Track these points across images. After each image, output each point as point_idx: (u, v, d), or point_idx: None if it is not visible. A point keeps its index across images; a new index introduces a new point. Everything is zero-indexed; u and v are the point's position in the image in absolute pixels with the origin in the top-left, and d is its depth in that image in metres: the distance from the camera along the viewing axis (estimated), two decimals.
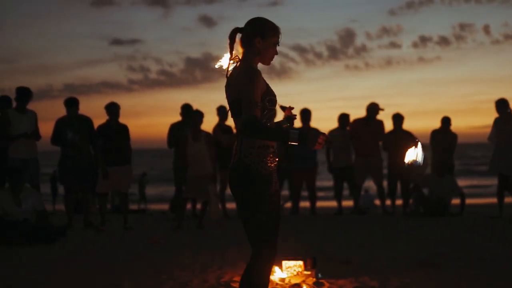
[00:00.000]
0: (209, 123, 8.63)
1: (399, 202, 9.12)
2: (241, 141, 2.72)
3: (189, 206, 8.51)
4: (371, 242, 6.08)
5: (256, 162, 2.68)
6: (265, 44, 2.80)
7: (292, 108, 3.11)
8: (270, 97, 2.75)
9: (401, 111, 8.75)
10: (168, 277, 4.50)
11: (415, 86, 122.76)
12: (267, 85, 2.77)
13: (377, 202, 10.38)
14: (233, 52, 2.81)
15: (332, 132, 8.70)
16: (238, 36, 2.82)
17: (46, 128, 7.50)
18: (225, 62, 2.81)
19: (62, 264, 5.18)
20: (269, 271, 2.86)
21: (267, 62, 2.87)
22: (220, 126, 8.39)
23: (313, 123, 8.88)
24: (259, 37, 2.78)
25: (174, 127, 8.25)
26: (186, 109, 8.14)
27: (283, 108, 3.13)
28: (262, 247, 2.75)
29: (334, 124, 8.86)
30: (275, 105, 2.80)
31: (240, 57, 2.82)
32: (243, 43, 2.81)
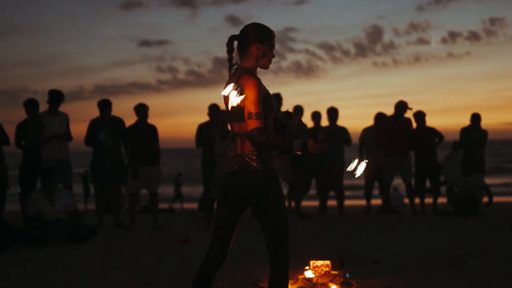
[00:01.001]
0: None
1: (428, 200, 9.03)
2: (241, 145, 2.76)
3: None
4: (400, 241, 6.04)
5: (266, 165, 2.75)
6: (264, 49, 2.85)
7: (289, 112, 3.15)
8: (270, 103, 2.79)
9: (430, 108, 8.73)
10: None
11: (444, 83, 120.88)
12: (267, 91, 2.81)
13: (407, 200, 10.27)
14: (232, 60, 2.85)
15: (367, 130, 8.67)
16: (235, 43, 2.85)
17: (78, 129, 7.69)
18: (227, 90, 2.76)
19: (93, 263, 5.30)
20: None
21: (266, 66, 2.91)
22: None
23: (341, 121, 8.86)
24: (258, 43, 2.83)
25: (201, 127, 8.32)
26: (213, 109, 8.19)
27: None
28: (287, 246, 2.82)
29: (361, 121, 8.82)
30: (274, 112, 2.85)
31: (240, 64, 2.85)
32: (242, 51, 2.84)
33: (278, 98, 8.39)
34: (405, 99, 8.58)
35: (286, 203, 9.36)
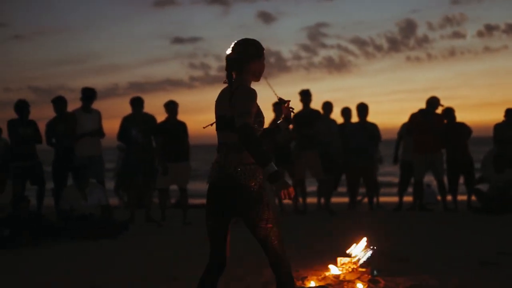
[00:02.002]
0: (266, 119, 8.67)
1: (462, 197, 8.86)
2: (226, 156, 2.81)
3: None
4: (431, 239, 5.95)
5: (250, 178, 2.79)
6: (259, 64, 2.93)
7: (289, 101, 3.21)
8: (260, 118, 2.85)
9: (466, 103, 8.58)
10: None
11: (481, 77, 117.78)
12: (258, 107, 2.86)
13: (440, 198, 10.08)
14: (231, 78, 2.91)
15: (405, 125, 8.56)
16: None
17: (113, 125, 7.82)
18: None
19: (124, 257, 5.40)
20: None
21: (259, 78, 2.98)
22: (276, 122, 8.42)
23: (374, 117, 8.77)
24: (256, 59, 2.91)
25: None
26: None
27: (282, 101, 3.20)
28: (282, 250, 2.88)
29: (394, 117, 8.68)
30: (263, 127, 2.90)
31: (234, 79, 2.88)
32: (237, 67, 2.89)
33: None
34: (440, 94, 8.46)
35: (316, 200, 9.36)
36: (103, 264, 5.14)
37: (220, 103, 2.91)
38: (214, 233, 2.94)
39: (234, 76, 2.92)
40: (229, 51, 2.95)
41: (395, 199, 12.16)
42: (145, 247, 5.85)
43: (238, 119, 2.71)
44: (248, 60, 2.90)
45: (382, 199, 11.71)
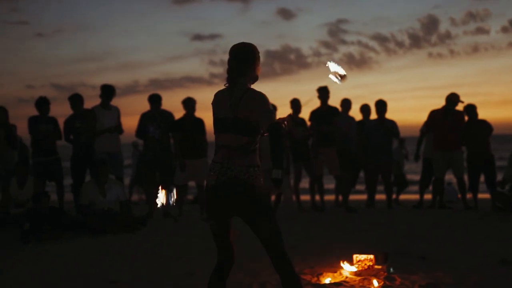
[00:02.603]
0: (283, 115, 8.66)
1: (482, 196, 8.74)
2: (230, 158, 2.87)
3: None
4: (449, 237, 5.88)
5: (255, 180, 2.89)
6: (259, 68, 3.03)
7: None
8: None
9: (489, 100, 8.45)
10: (238, 267, 4.60)
11: (505, 73, 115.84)
12: None
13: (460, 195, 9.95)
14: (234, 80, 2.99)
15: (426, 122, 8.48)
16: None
17: (133, 122, 7.92)
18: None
19: (141, 252, 5.46)
20: None
21: (255, 81, 3.07)
22: (294, 119, 8.42)
23: (395, 114, 8.70)
24: (258, 64, 3.00)
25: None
26: None
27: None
28: (283, 249, 2.96)
29: (415, 114, 8.57)
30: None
31: (237, 83, 2.94)
32: (243, 71, 2.93)
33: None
34: (463, 91, 8.40)
35: (334, 197, 9.32)
36: (121, 258, 5.20)
37: (220, 105, 2.94)
38: (218, 233, 2.98)
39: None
40: (235, 55, 2.97)
41: (414, 196, 12.10)
42: (163, 243, 5.90)
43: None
44: (253, 65, 2.97)
45: (402, 196, 11.62)
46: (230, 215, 2.96)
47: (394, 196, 10.83)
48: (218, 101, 2.97)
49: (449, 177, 10.80)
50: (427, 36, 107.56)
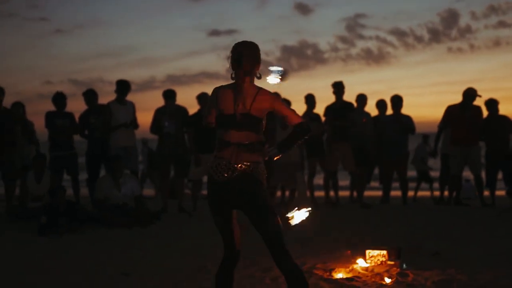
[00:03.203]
0: (300, 111, 8.65)
1: (500, 193, 8.62)
2: (238, 155, 2.91)
3: (279, 193, 8.63)
4: (464, 234, 5.82)
5: (261, 176, 2.98)
6: (259, 66, 3.05)
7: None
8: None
9: (511, 95, 8.18)
10: (251, 262, 4.63)
11: None
12: None
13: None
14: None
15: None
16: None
17: (150, 118, 7.93)
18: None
19: (155, 246, 5.50)
20: None
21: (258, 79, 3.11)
22: (309, 114, 8.39)
23: (414, 110, 8.66)
24: (260, 62, 3.02)
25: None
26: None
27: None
28: (286, 245, 2.95)
29: (434, 110, 8.47)
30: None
31: (244, 80, 2.97)
32: (251, 69, 2.96)
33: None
34: (484, 86, 8.28)
35: (348, 193, 9.28)
36: (135, 252, 5.26)
37: (229, 102, 2.95)
38: (223, 228, 3.01)
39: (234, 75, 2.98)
40: (243, 52, 2.97)
41: (427, 193, 12.00)
42: (176, 237, 5.94)
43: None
44: (258, 63, 3.01)
45: (420, 193, 11.54)
46: (232, 210, 2.99)
47: (412, 193, 10.79)
48: (226, 98, 2.97)
49: (468, 173, 10.68)
50: (447, 30, 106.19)
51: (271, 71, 3.07)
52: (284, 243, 2.89)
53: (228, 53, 2.99)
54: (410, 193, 10.77)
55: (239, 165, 2.90)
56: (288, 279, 2.88)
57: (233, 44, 3.02)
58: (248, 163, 2.91)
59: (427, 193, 12.10)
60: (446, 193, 8.86)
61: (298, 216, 3.11)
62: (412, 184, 11.55)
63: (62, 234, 6.06)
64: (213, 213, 3.01)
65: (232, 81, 3.02)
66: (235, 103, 2.94)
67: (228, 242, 3.04)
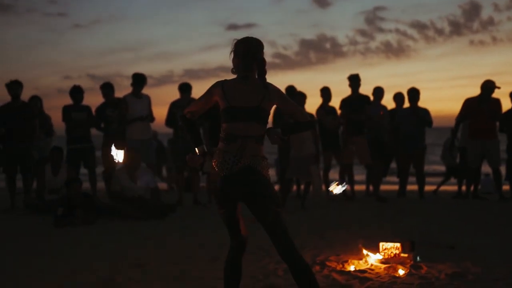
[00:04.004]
0: (316, 105, 8.64)
1: None
2: (244, 149, 2.92)
3: (294, 188, 8.62)
4: (481, 228, 5.76)
5: (266, 168, 2.98)
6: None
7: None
8: None
9: None
10: (265, 253, 4.64)
11: None
12: None
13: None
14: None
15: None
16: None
17: (164, 112, 7.97)
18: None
19: (170, 238, 5.54)
20: None
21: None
22: (324, 108, 8.37)
23: (434, 104, 8.61)
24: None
25: (278, 109, 8.38)
26: (290, 90, 8.22)
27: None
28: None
29: (455, 103, 8.34)
30: None
31: (253, 76, 3.00)
32: (261, 66, 2.98)
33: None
34: (506, 79, 8.20)
35: (364, 187, 9.23)
36: (150, 243, 5.30)
37: (238, 95, 2.96)
38: (229, 220, 3.02)
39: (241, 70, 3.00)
40: (257, 47, 2.99)
41: (450, 188, 11.84)
42: (191, 229, 5.98)
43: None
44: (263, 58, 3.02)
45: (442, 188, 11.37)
46: (237, 202, 3.00)
47: (433, 187, 10.67)
48: (235, 91, 2.97)
49: (488, 168, 10.52)
50: (468, 22, 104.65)
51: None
52: (288, 234, 2.88)
53: (233, 48, 3.01)
54: (431, 187, 10.68)
55: (245, 159, 2.90)
56: (293, 270, 2.88)
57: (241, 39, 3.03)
58: (254, 157, 2.92)
59: (449, 188, 11.92)
60: (464, 187, 8.74)
61: (337, 189, 3.43)
62: (439, 179, 11.46)
63: (78, 226, 6.14)
64: (218, 206, 3.02)
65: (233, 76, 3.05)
66: (245, 97, 2.94)
67: (234, 233, 3.06)
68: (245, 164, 2.91)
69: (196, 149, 3.07)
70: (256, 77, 3.00)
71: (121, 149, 3.71)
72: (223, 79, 3.08)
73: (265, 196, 2.89)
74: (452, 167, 10.50)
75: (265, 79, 2.99)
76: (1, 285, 3.96)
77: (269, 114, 3.01)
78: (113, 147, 3.78)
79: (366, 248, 4.45)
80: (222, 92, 2.99)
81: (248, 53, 2.96)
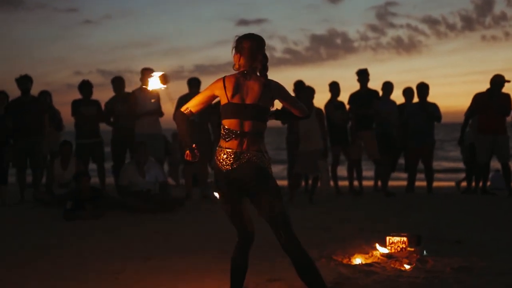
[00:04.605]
0: (324, 100, 8.63)
1: None
2: (246, 144, 2.94)
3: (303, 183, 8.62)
4: (489, 223, 5.74)
5: (267, 163, 3.01)
6: None
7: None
8: None
9: None
10: (272, 247, 4.64)
11: None
12: None
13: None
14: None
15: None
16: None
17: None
18: None
19: (178, 231, 5.58)
20: None
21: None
22: (333, 102, 8.35)
23: (446, 100, 8.57)
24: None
25: None
26: (298, 85, 8.22)
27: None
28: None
29: (467, 100, 8.24)
30: None
31: (255, 73, 3.02)
32: (263, 68, 3.02)
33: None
34: None
35: (372, 182, 9.21)
36: (157, 236, 5.35)
37: (243, 92, 2.97)
38: (234, 215, 3.04)
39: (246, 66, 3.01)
40: (260, 44, 3.03)
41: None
42: (198, 223, 6.01)
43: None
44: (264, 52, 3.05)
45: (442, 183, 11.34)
46: (241, 197, 3.02)
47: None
48: (236, 87, 2.98)
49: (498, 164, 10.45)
50: (480, 18, 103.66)
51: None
52: (291, 227, 2.89)
53: (235, 44, 3.02)
54: (439, 183, 10.64)
55: (246, 155, 2.92)
56: (296, 264, 2.89)
57: (262, 34, 3.08)
58: (255, 152, 2.94)
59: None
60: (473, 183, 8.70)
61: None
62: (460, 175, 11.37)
63: (87, 219, 6.19)
64: (222, 202, 3.04)
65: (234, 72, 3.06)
66: (246, 93, 2.96)
67: (240, 227, 3.08)
68: (247, 159, 2.92)
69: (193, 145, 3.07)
70: (258, 74, 3.01)
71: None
72: (224, 75, 3.07)
73: (268, 190, 2.91)
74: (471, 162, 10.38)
75: (266, 76, 3.01)
76: (11, 277, 4.02)
77: (268, 110, 3.02)
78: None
79: (372, 241, 4.46)
80: (223, 88, 2.99)
81: (251, 50, 2.97)
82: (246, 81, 2.99)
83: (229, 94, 2.97)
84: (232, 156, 2.94)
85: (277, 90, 3.03)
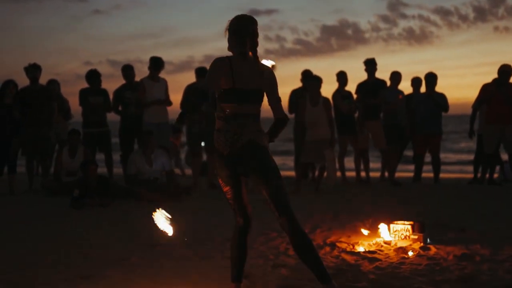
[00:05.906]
0: (332, 89, 8.64)
1: None
2: (249, 125, 2.99)
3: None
4: (494, 213, 5.73)
5: (267, 142, 3.07)
6: None
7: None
8: None
9: None
10: (278, 235, 4.70)
11: None
12: None
13: None
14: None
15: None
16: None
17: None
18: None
19: (185, 220, 5.60)
20: None
21: None
22: (340, 92, 8.35)
23: (457, 91, 8.50)
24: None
25: (294, 93, 8.41)
26: (305, 75, 8.22)
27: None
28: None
29: (478, 91, 8.17)
30: None
31: (253, 55, 3.05)
32: (254, 45, 3.04)
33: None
34: None
35: (379, 173, 9.20)
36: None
37: (249, 77, 3.00)
38: (234, 198, 3.08)
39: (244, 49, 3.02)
40: (254, 27, 3.04)
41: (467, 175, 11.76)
42: (205, 210, 6.06)
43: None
44: (257, 36, 3.08)
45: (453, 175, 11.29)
46: (244, 176, 3.06)
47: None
48: (239, 72, 3.00)
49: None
50: (493, 8, 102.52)
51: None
52: (290, 206, 2.90)
53: (227, 25, 3.04)
54: (446, 175, 10.60)
55: (245, 136, 2.96)
56: (294, 244, 2.91)
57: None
58: (253, 132, 3.00)
59: (465, 175, 11.81)
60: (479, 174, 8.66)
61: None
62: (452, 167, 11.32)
63: (94, 207, 6.26)
64: (222, 184, 3.08)
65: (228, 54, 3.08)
66: (246, 78, 2.99)
67: (240, 211, 3.11)
68: (247, 139, 2.97)
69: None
70: (249, 52, 3.03)
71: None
72: (218, 57, 3.06)
73: (268, 168, 2.94)
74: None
75: (256, 51, 3.04)
76: (20, 263, 4.09)
77: (263, 93, 3.07)
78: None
79: (374, 226, 4.49)
80: (230, 72, 3.00)
81: (241, 28, 3.00)
82: (244, 65, 3.01)
83: (234, 79, 2.99)
84: (234, 137, 2.98)
85: (268, 80, 3.06)
